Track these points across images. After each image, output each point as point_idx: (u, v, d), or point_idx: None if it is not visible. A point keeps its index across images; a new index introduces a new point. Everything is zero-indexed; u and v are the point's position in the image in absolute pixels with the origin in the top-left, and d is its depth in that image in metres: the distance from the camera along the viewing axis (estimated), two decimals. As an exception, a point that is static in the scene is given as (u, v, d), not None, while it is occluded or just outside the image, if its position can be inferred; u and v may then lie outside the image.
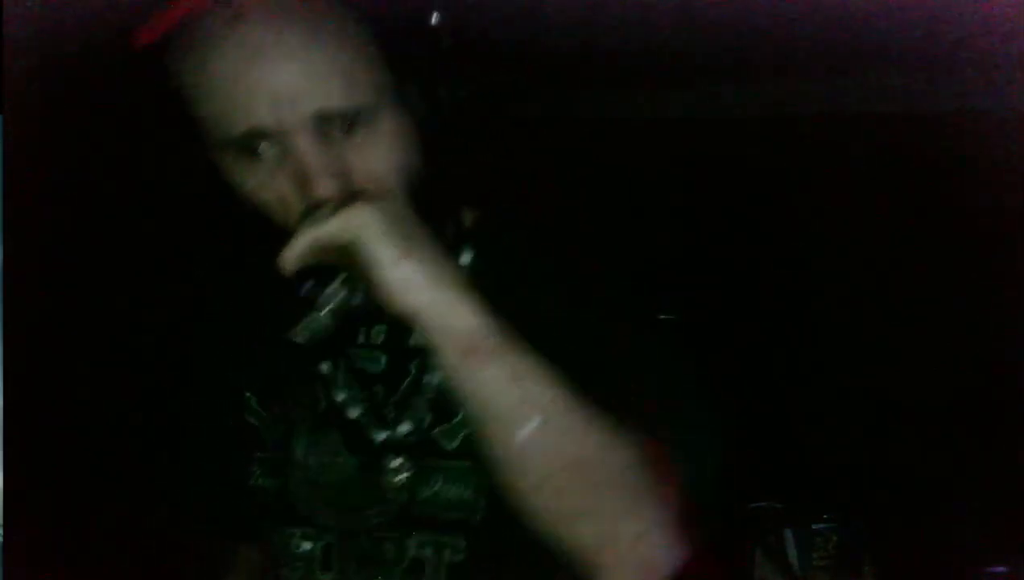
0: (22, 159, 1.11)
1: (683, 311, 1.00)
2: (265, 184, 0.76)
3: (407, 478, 0.85)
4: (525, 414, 0.69)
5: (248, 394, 0.92)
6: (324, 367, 0.89)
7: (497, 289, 0.73)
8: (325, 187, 0.74)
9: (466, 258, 0.87)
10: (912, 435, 2.22)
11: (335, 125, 0.74)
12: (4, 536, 1.03)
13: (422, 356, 0.85)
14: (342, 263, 0.71)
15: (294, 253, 0.70)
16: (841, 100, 2.33)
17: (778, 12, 1.74)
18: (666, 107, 2.52)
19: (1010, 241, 2.01)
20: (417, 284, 0.69)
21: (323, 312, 0.74)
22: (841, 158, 2.33)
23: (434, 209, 0.78)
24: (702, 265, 2.41)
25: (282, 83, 0.73)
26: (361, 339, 0.89)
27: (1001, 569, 1.87)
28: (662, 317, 0.93)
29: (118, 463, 2.07)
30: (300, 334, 0.74)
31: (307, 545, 0.88)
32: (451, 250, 0.82)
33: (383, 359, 0.88)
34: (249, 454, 0.91)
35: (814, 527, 1.95)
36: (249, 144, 0.75)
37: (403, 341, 0.86)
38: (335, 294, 0.74)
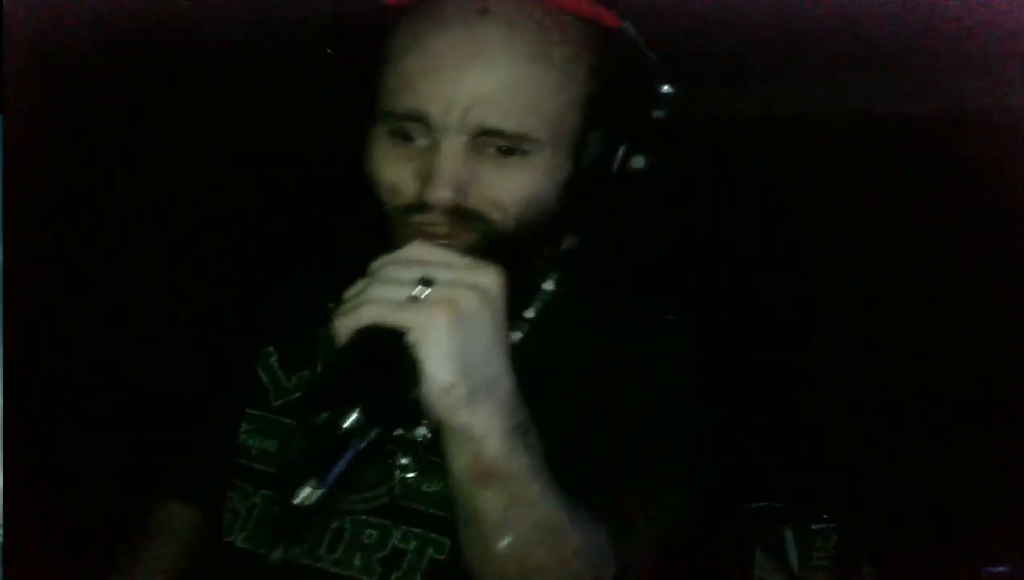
0: (22, 159, 1.11)
1: (682, 312, 1.00)
2: (394, 167, 0.76)
3: (412, 468, 0.83)
4: (503, 533, 0.70)
5: (269, 349, 0.91)
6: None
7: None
8: (440, 197, 0.73)
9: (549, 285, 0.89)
10: (912, 435, 2.22)
11: (494, 142, 0.74)
12: (4, 536, 1.03)
13: None
14: (393, 349, 0.66)
15: (355, 320, 0.65)
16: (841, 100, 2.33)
17: (778, 12, 1.74)
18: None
19: (1010, 241, 2.01)
20: (456, 409, 0.66)
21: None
22: (841, 158, 2.33)
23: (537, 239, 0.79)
24: (697, 265, 2.40)
25: (471, 82, 0.72)
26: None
27: (1001, 569, 1.87)
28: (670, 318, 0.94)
29: (119, 463, 2.07)
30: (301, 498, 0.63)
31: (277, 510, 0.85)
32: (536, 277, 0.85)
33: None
34: (242, 411, 0.90)
35: (814, 527, 1.95)
36: (406, 124, 0.75)
37: None
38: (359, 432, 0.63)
